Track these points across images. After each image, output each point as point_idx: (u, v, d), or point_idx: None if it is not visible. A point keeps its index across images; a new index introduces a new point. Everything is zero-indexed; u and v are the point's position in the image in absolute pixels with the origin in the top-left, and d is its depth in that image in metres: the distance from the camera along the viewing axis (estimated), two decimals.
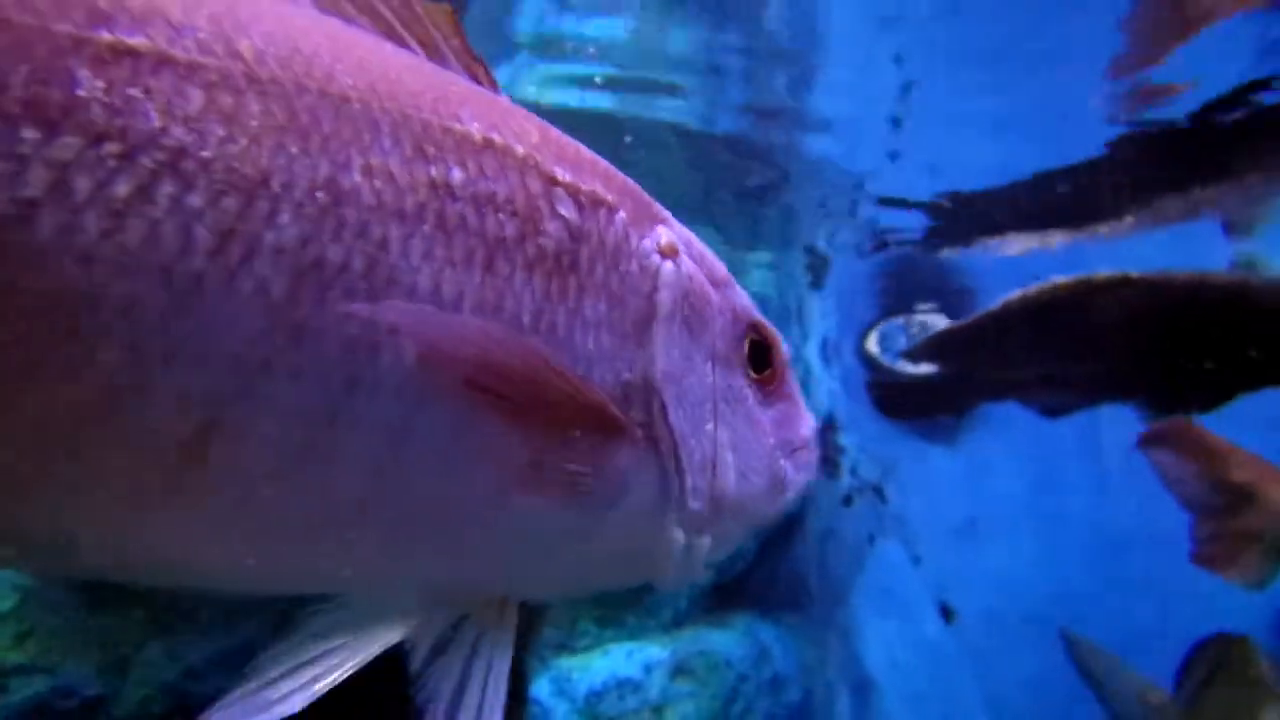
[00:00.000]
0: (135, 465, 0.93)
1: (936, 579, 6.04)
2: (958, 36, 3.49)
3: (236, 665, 4.90)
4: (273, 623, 5.19)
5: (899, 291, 5.74)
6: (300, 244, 0.94)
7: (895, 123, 4.09)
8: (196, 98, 0.90)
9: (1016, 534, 6.29)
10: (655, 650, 5.09)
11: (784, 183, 4.93)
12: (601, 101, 3.79)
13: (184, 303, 0.89)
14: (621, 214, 1.26)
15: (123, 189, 0.86)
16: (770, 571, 6.03)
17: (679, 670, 5.05)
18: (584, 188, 1.22)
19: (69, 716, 4.55)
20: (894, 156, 3.79)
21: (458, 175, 1.08)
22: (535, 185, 1.16)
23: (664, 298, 1.27)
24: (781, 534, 6.06)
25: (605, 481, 1.18)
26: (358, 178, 0.98)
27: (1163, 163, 3.84)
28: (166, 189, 0.88)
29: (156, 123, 0.88)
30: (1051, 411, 4.52)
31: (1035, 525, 6.36)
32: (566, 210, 1.18)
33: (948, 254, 5.35)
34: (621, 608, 5.32)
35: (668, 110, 3.86)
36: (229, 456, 0.95)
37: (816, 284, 6.71)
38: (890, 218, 5.42)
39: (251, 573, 1.14)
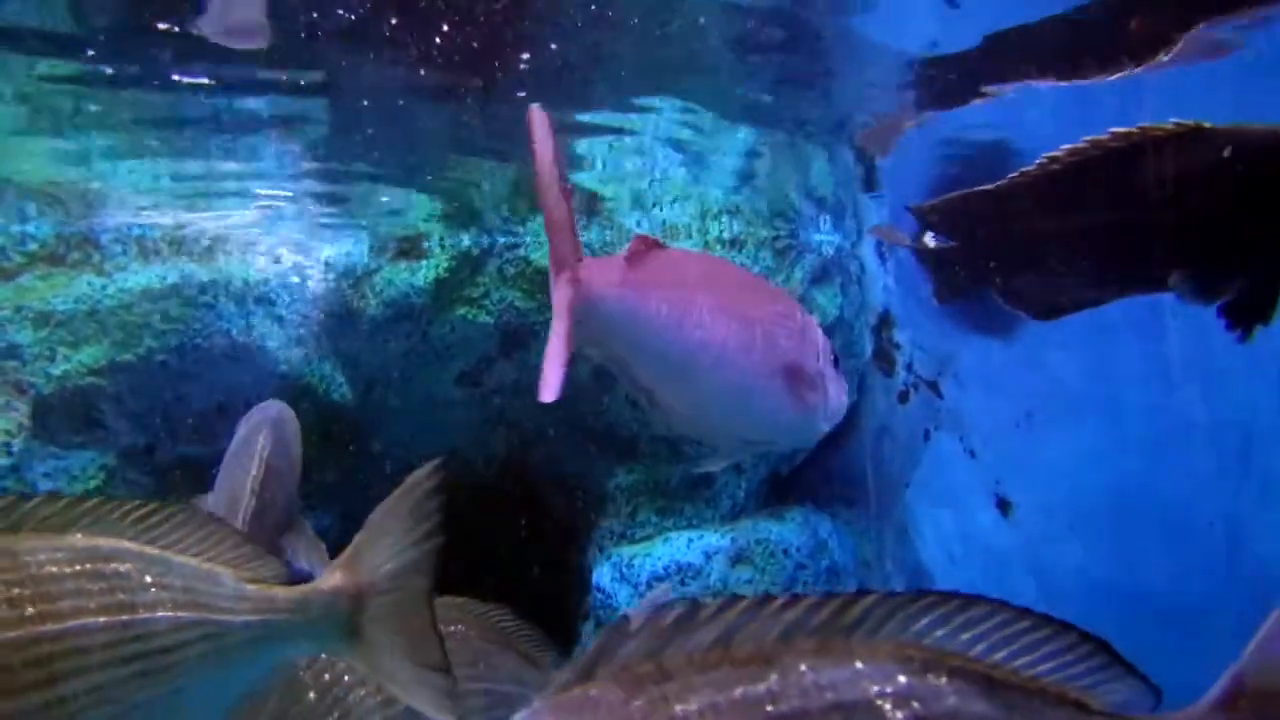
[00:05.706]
0: None
1: (992, 473, 6.06)
2: None
3: None
4: (339, 513, 5.36)
5: (956, 184, 5.63)
6: None
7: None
8: None
9: (1073, 426, 6.26)
10: (715, 539, 5.19)
11: (830, 72, 4.82)
12: None
13: None
14: None
15: None
16: (826, 467, 6.08)
17: (739, 558, 5.15)
18: None
19: None
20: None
21: None
22: None
23: None
24: (837, 430, 6.08)
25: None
26: None
27: None
28: None
29: None
30: (1050, 311, 3.68)
31: (1092, 417, 6.33)
32: None
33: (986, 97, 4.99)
34: (680, 499, 5.40)
35: None
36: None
37: (868, 185, 6.62)
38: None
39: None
